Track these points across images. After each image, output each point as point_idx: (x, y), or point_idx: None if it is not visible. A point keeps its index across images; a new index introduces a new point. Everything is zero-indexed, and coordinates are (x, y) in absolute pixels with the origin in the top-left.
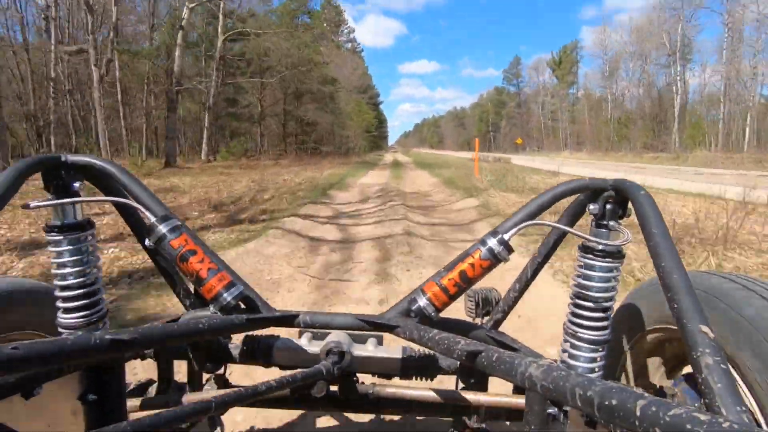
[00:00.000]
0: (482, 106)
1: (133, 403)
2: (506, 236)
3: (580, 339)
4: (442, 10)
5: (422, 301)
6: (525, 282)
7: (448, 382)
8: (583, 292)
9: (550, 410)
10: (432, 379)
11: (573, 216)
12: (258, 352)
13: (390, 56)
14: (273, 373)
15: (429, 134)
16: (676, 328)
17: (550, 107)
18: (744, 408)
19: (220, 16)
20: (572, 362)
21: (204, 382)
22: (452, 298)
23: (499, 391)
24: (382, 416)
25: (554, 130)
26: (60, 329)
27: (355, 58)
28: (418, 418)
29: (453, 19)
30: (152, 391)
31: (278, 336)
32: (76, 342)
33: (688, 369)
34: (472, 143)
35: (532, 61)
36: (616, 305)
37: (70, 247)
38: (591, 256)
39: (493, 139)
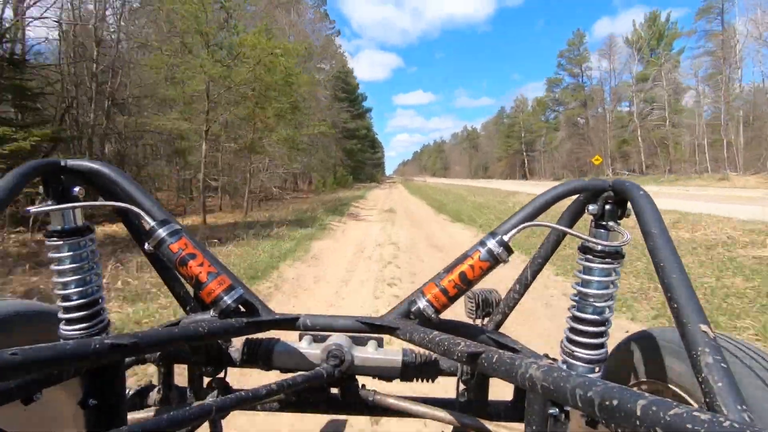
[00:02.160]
0: (512, 117)
1: (133, 407)
2: (506, 237)
3: (580, 340)
4: (437, 42)
5: (422, 303)
6: (525, 283)
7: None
8: (583, 292)
9: (550, 411)
10: (433, 381)
11: (572, 217)
12: (258, 356)
13: (386, 88)
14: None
15: (431, 161)
16: (662, 383)
17: (672, 102)
18: (745, 407)
19: None
20: (573, 363)
21: (205, 385)
22: (452, 299)
23: (500, 393)
24: (382, 418)
25: (662, 139)
26: (62, 341)
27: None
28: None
29: (447, 51)
30: (153, 395)
31: (278, 339)
32: (75, 347)
33: None
34: (493, 168)
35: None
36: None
37: (71, 253)
38: (590, 256)
39: (527, 162)
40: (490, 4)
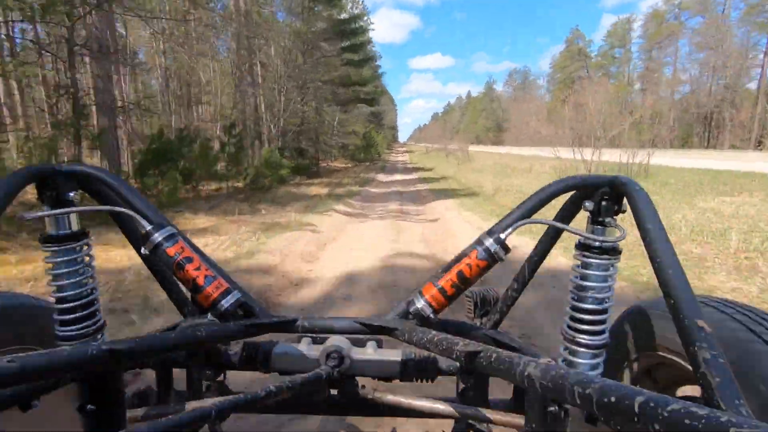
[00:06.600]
0: None
1: (132, 412)
2: (502, 236)
3: (578, 338)
4: (459, 1)
5: (420, 303)
6: (523, 281)
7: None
8: (581, 288)
9: (550, 408)
10: (432, 381)
11: (569, 213)
12: (257, 358)
13: (402, 51)
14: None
15: (469, 119)
16: (664, 354)
17: None
18: (742, 401)
19: None
20: (572, 360)
21: (203, 389)
22: (450, 299)
23: (499, 394)
24: (382, 419)
25: None
26: (58, 342)
27: None
28: (418, 420)
29: (469, 11)
30: (151, 399)
31: (277, 341)
32: (72, 353)
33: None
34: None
35: None
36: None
37: (66, 258)
38: (587, 253)
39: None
40: None
